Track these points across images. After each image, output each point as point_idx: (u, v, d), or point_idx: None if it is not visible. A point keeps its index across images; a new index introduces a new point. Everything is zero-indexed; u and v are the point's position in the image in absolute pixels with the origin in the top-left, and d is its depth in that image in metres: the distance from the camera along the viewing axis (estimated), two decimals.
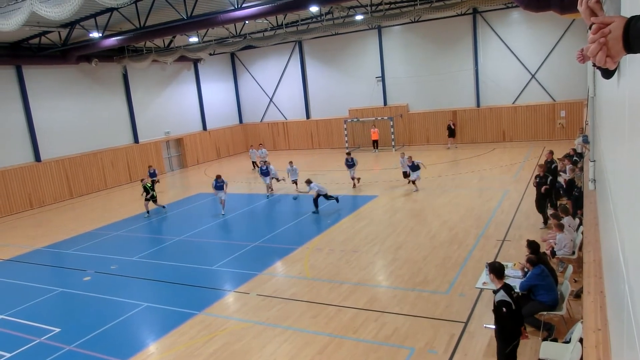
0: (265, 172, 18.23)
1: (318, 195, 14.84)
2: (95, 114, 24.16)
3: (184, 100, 29.34)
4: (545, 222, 11.64)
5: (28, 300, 10.54)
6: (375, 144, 27.14)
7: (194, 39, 23.06)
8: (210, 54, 28.42)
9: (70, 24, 18.48)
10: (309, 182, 15.20)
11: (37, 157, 21.59)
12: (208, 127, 30.73)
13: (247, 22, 20.48)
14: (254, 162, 24.07)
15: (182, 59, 26.73)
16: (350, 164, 18.35)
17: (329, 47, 29.06)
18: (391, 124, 26.65)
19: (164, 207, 17.52)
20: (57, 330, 8.95)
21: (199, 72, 30.26)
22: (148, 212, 17.10)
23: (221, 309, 9.24)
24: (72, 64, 22.45)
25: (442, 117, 25.98)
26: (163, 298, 10.00)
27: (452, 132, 24.91)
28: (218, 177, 16.30)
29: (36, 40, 20.21)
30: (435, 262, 10.37)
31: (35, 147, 21.52)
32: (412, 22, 25.74)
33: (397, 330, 7.66)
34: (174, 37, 23.81)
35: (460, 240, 11.51)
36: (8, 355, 8.21)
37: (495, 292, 5.70)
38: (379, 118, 27.18)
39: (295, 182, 18.31)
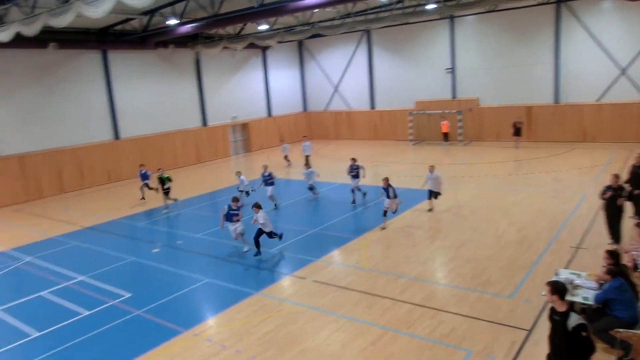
0: (268, 180, 15.48)
1: (260, 233, 11.27)
2: (169, 97, 25.57)
3: (251, 87, 30.18)
4: (617, 239, 10.08)
5: (104, 266, 11.47)
6: (445, 136, 26.20)
7: (263, 27, 23.47)
8: (279, 42, 28.81)
9: (151, 12, 19.55)
10: (258, 206, 11.33)
11: (117, 136, 23.34)
12: (273, 113, 31.41)
13: (315, 10, 20.45)
14: (286, 157, 23.71)
15: (251, 46, 27.44)
16: (355, 174, 15.04)
17: (397, 36, 28.35)
18: (459, 117, 25.53)
19: (167, 207, 16.37)
20: (128, 295, 9.67)
21: (267, 60, 30.92)
22: (167, 206, 16.35)
23: (277, 291, 9.44)
24: (150, 49, 23.86)
25: (515, 112, 24.39)
26: (223, 275, 10.41)
27: (517, 131, 23.06)
28: (235, 200, 11.85)
29: (120, 27, 21.70)
30: (500, 263, 9.83)
31: (115, 126, 23.26)
32: (488, 12, 24.32)
33: (454, 330, 7.36)
34: (244, 24, 24.41)
35: (530, 243, 10.81)
36: (87, 312, 9.03)
37: (561, 315, 4.97)
38: (447, 111, 26.13)
39: (311, 188, 16.26)
